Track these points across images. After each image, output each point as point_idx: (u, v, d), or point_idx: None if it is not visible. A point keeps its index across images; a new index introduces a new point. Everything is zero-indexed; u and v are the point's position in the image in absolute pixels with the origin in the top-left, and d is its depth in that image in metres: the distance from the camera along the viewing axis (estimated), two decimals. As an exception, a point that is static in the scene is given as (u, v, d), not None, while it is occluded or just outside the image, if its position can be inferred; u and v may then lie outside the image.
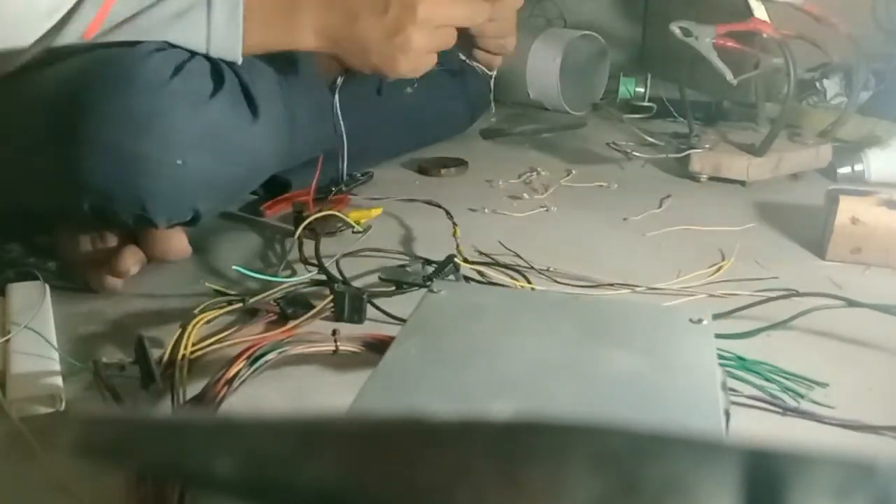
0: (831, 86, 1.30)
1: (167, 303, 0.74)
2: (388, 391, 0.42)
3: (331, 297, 0.69)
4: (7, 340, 0.62)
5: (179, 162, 0.68)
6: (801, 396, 0.59)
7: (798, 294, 0.71)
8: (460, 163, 1.15)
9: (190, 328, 0.61)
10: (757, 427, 0.56)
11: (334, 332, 0.60)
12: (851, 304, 0.68)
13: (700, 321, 0.49)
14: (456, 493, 0.17)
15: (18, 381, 0.58)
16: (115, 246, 0.76)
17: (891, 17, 1.34)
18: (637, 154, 1.14)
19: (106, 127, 0.66)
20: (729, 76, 1.01)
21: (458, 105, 1.25)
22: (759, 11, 1.08)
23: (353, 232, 0.88)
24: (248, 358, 0.56)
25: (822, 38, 1.07)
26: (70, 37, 0.70)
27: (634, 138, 1.24)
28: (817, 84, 1.29)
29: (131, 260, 0.74)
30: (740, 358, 0.62)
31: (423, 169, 1.14)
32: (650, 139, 1.21)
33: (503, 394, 0.42)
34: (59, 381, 0.59)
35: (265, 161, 0.79)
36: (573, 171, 1.13)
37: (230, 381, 0.54)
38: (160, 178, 0.68)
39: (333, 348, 0.59)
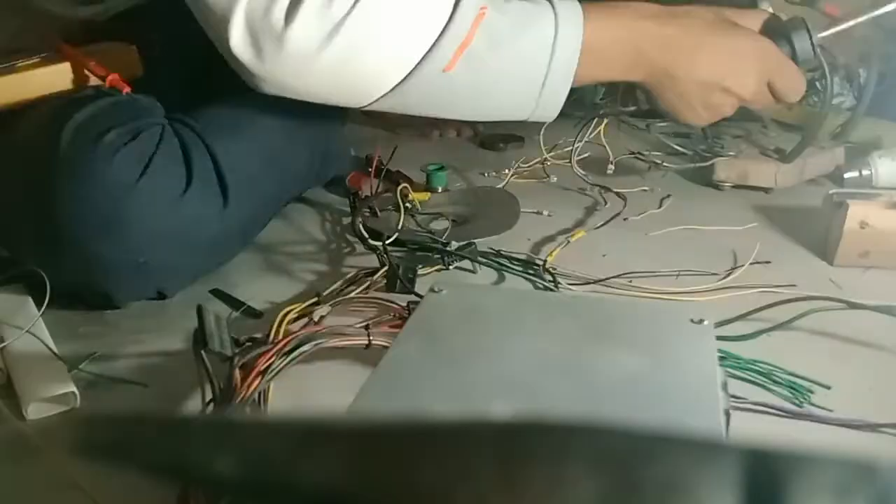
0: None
1: (166, 303, 0.74)
2: (388, 391, 0.42)
3: (384, 268, 0.71)
4: (4, 346, 0.62)
5: (142, 260, 0.68)
6: (801, 396, 0.59)
7: (799, 299, 0.70)
8: (518, 138, 1.27)
9: (277, 322, 0.61)
10: (757, 427, 0.56)
11: (367, 327, 0.60)
12: (852, 306, 0.68)
13: (701, 321, 0.49)
14: (456, 493, 0.17)
15: (30, 382, 0.59)
16: None
17: (891, 16, 1.34)
18: (661, 163, 1.13)
19: (69, 226, 0.65)
20: None
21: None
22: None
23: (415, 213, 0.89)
24: (282, 350, 0.55)
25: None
26: (429, 74, 0.70)
27: (653, 145, 1.23)
28: (817, 84, 1.28)
29: None
30: (738, 358, 0.62)
31: (484, 143, 1.28)
32: (676, 146, 1.19)
33: (504, 394, 0.42)
34: (69, 379, 0.59)
35: (231, 243, 0.79)
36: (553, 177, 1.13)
37: (263, 373, 0.54)
38: (121, 275, 0.69)
39: (367, 343, 0.59)
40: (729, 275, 0.79)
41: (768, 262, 0.82)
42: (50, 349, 0.63)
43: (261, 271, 0.81)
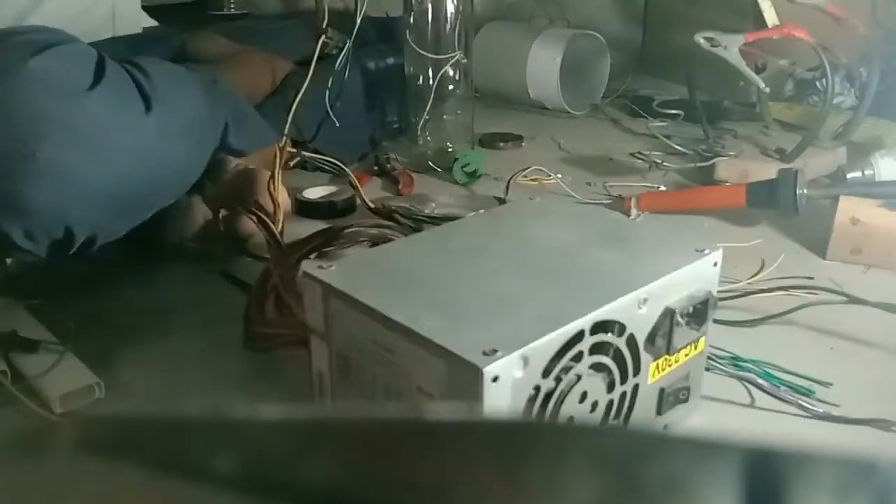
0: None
1: (169, 303, 0.74)
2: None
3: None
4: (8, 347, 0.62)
5: (31, 151, 0.58)
6: (803, 394, 0.59)
7: (799, 287, 0.71)
8: (516, 137, 1.28)
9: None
10: (759, 426, 0.56)
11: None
12: (853, 300, 0.68)
13: (703, 251, 0.52)
14: (455, 492, 0.17)
15: (53, 377, 0.59)
16: (226, 216, 0.79)
17: (891, 15, 1.34)
18: (661, 162, 1.14)
19: None
20: (761, 85, 1.01)
21: None
22: (770, 14, 1.08)
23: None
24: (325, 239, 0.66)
25: (830, 38, 1.06)
26: None
27: (653, 145, 1.23)
28: (818, 84, 1.28)
29: (250, 223, 0.75)
30: (739, 357, 0.62)
31: (483, 142, 1.26)
32: (676, 146, 1.20)
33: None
34: (89, 372, 0.59)
35: (165, 162, 0.68)
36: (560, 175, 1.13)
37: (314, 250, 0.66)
38: (10, 175, 0.58)
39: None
40: (729, 271, 0.79)
41: (769, 259, 0.82)
42: (59, 346, 0.62)
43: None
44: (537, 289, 0.47)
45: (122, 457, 0.21)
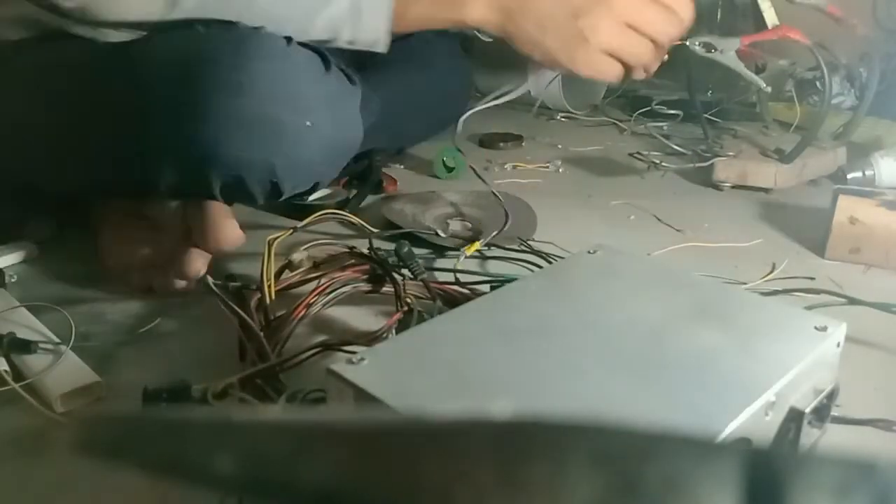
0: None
1: (166, 301, 0.74)
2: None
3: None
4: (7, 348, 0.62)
5: (308, 124, 0.69)
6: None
7: (798, 290, 0.71)
8: (517, 137, 1.29)
9: (269, 252, 0.64)
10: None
11: (404, 278, 0.64)
12: (852, 302, 0.67)
13: (824, 329, 0.45)
14: (455, 492, 0.17)
15: (54, 376, 0.58)
16: (173, 247, 0.73)
17: (891, 15, 1.34)
18: (660, 163, 1.14)
19: (236, 96, 0.66)
20: (762, 85, 1.01)
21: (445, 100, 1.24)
22: (769, 15, 1.08)
23: None
24: (325, 289, 0.63)
25: (830, 38, 1.06)
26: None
27: (652, 145, 1.23)
28: (818, 84, 1.28)
29: (200, 261, 0.72)
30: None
31: (483, 142, 1.28)
32: (675, 146, 1.20)
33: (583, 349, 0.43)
34: (90, 371, 0.59)
35: (360, 131, 0.78)
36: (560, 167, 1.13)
37: (309, 306, 0.61)
38: (291, 141, 0.69)
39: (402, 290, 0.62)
40: (730, 272, 0.79)
41: (769, 260, 0.82)
42: (59, 345, 0.62)
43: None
44: (629, 389, 0.38)
45: (122, 457, 0.21)
